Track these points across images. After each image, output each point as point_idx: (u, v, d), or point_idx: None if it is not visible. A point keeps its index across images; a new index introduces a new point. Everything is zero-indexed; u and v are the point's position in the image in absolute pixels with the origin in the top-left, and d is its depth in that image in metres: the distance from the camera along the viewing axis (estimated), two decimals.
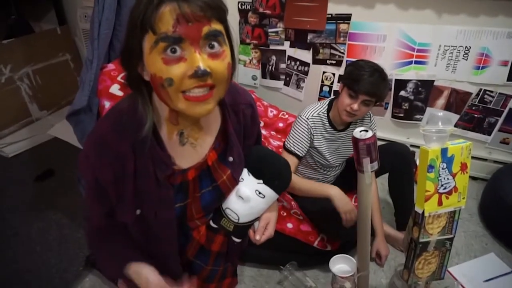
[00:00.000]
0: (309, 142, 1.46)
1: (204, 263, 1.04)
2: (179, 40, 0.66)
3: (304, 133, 1.45)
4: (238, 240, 1.03)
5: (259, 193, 0.97)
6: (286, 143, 1.49)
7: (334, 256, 1.33)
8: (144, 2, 0.66)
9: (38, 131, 2.46)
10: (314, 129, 1.46)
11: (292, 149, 1.45)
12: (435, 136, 0.99)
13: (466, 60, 1.86)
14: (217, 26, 0.69)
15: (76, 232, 1.67)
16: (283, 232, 1.43)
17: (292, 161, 1.42)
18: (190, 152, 0.89)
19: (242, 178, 0.98)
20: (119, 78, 1.38)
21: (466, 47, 1.84)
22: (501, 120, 1.94)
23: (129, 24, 0.70)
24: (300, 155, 1.45)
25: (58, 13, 2.77)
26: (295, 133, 1.46)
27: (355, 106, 1.36)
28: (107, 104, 1.36)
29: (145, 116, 0.77)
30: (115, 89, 1.37)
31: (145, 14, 0.66)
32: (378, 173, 1.64)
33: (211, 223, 1.02)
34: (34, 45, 2.55)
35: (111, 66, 1.42)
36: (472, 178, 2.09)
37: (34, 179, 2.05)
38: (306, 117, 1.46)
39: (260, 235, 1.01)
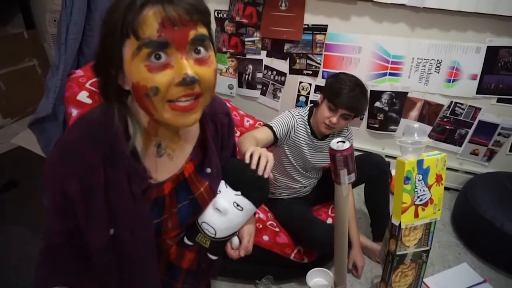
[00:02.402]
0: (287, 130, 1.45)
1: (174, 280, 0.98)
2: (165, 45, 0.62)
3: (286, 120, 1.46)
4: (214, 258, 0.98)
5: (237, 205, 0.93)
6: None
7: (311, 270, 1.30)
8: (124, 5, 0.61)
9: (1, 140, 2.35)
10: (297, 127, 1.48)
11: (270, 124, 1.44)
12: (411, 147, 0.99)
13: (438, 73, 1.91)
14: (203, 30, 0.66)
15: (39, 248, 1.57)
16: (259, 245, 1.39)
17: (265, 132, 1.40)
18: (166, 164, 0.85)
19: (219, 190, 0.95)
20: (87, 85, 1.31)
21: (438, 60, 1.88)
22: (471, 131, 1.99)
23: (106, 29, 0.64)
24: (275, 130, 1.41)
25: (25, 17, 2.66)
26: (279, 117, 1.48)
27: (334, 119, 1.37)
28: (75, 112, 1.29)
29: (121, 128, 0.72)
30: (83, 96, 1.30)
31: (126, 17, 0.61)
32: (354, 184, 1.64)
33: (186, 240, 0.96)
34: None
35: (79, 72, 1.35)
36: (445, 188, 2.11)
37: None
38: (293, 113, 1.49)
39: (245, 251, 0.98)
